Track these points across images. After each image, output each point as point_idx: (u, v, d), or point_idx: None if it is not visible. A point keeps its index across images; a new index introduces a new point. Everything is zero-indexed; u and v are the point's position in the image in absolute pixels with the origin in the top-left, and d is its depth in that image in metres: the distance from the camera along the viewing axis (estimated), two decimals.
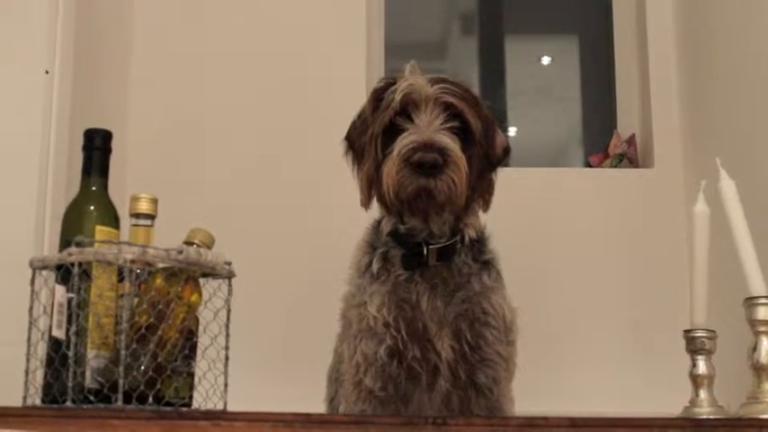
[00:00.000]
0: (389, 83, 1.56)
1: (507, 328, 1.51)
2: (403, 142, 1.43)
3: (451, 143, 1.44)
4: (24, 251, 1.56)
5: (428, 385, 1.47)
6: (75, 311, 1.16)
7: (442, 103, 1.47)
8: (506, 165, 1.60)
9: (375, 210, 1.56)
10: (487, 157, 1.53)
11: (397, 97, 1.48)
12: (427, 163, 1.40)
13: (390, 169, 1.42)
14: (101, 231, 1.25)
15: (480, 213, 1.56)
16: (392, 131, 1.48)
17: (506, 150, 1.58)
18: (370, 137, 1.50)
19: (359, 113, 1.62)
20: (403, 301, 1.48)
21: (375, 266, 1.52)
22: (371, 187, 1.50)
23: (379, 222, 1.57)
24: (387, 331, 1.45)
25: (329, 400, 1.72)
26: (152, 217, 1.29)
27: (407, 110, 1.48)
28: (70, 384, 1.14)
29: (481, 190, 1.53)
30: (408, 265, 1.50)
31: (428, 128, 1.44)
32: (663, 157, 2.68)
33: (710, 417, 1.32)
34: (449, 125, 1.46)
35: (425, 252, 1.49)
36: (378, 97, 1.55)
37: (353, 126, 1.61)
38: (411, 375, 1.47)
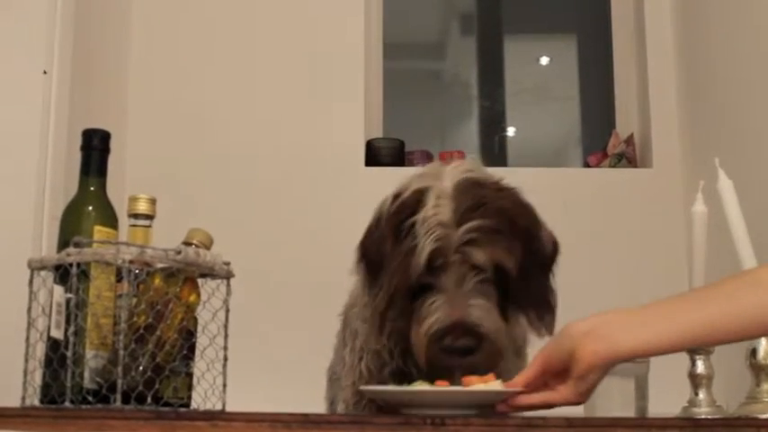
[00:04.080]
0: (410, 205, 1.36)
1: (519, 346, 1.47)
2: (429, 319, 1.28)
3: (485, 316, 1.29)
4: (23, 251, 1.55)
5: None
6: (74, 312, 1.16)
7: (471, 263, 1.31)
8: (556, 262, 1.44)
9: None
10: (537, 265, 1.38)
11: (422, 259, 1.29)
12: (459, 350, 1.26)
13: (418, 344, 1.29)
14: (99, 232, 1.24)
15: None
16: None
17: (555, 245, 1.44)
18: (394, 288, 1.33)
19: (375, 220, 1.42)
20: None
21: None
22: (383, 326, 1.36)
23: None
24: (392, 360, 1.40)
25: (330, 401, 1.71)
26: (150, 217, 1.29)
27: (432, 264, 1.31)
28: (69, 385, 1.14)
29: (533, 303, 1.37)
30: None
31: (457, 293, 1.29)
32: (661, 157, 2.69)
33: (709, 417, 1.32)
34: (480, 278, 1.31)
35: None
36: (397, 226, 1.36)
37: (370, 236, 1.42)
38: None
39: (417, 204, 1.35)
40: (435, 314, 1.28)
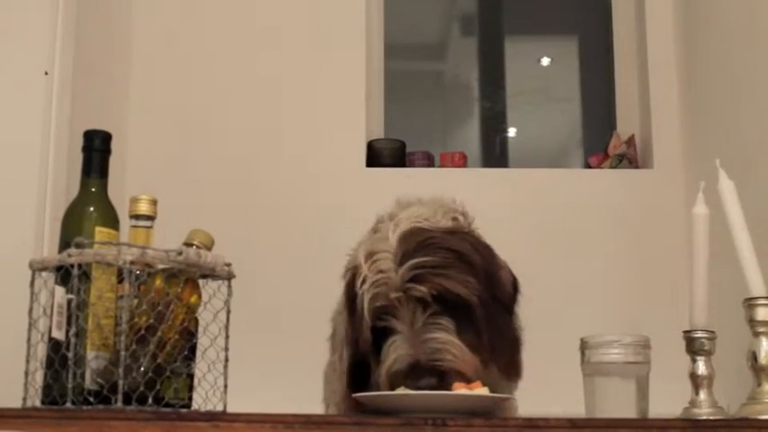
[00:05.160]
0: (354, 272, 1.36)
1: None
2: (387, 362, 1.27)
3: (442, 349, 1.25)
4: (24, 253, 1.56)
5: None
6: (75, 313, 1.16)
7: (416, 298, 1.28)
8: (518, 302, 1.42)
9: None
10: (498, 303, 1.36)
11: (365, 310, 1.29)
12: (424, 389, 1.23)
13: (384, 386, 1.28)
14: (100, 233, 1.25)
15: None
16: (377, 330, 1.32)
17: (515, 285, 1.41)
18: (353, 356, 1.36)
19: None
20: None
21: None
22: (351, 385, 1.37)
23: None
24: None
25: (326, 404, 1.71)
26: (151, 218, 1.29)
27: (377, 308, 1.30)
28: (70, 386, 1.14)
29: (502, 349, 1.34)
30: None
31: (411, 332, 1.27)
32: (662, 158, 2.69)
33: (710, 417, 1.31)
34: (431, 311, 1.28)
35: None
36: (350, 294, 1.36)
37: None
38: None
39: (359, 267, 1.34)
40: (392, 356, 1.27)
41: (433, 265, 1.29)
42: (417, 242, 1.32)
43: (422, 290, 1.27)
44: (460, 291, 1.29)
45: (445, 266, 1.29)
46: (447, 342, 1.27)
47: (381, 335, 1.31)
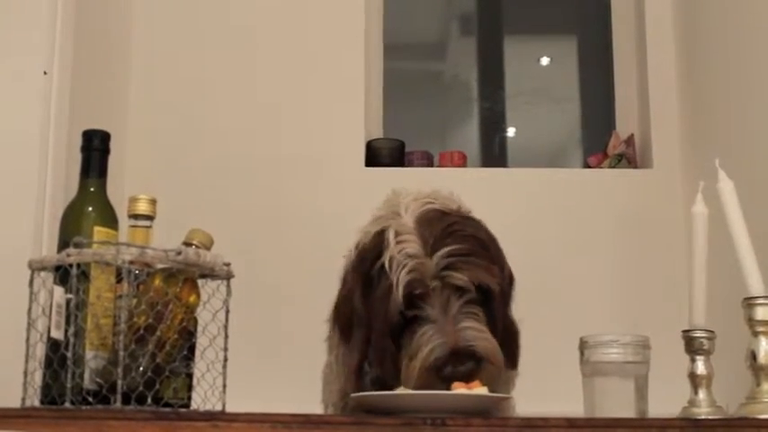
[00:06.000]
0: (373, 250, 1.35)
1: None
2: (423, 350, 1.26)
3: (478, 337, 1.27)
4: (23, 252, 1.56)
5: None
6: (74, 312, 1.16)
7: (453, 286, 1.29)
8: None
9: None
10: (505, 293, 1.38)
11: (399, 293, 1.28)
12: (460, 376, 1.23)
13: (411, 376, 1.26)
14: (99, 232, 1.25)
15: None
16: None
17: (512, 280, 1.43)
18: (366, 341, 1.34)
19: (342, 278, 1.43)
20: None
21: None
22: (358, 380, 1.36)
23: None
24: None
25: (325, 404, 1.71)
26: (150, 218, 1.29)
27: (413, 295, 1.29)
28: (69, 385, 1.14)
29: (509, 338, 1.37)
30: None
31: (446, 320, 1.27)
32: (662, 158, 2.69)
33: (709, 417, 1.32)
34: (465, 300, 1.30)
35: None
36: (366, 275, 1.35)
37: (340, 295, 1.43)
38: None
39: (380, 247, 1.33)
40: (429, 345, 1.26)
41: (465, 252, 1.30)
42: (442, 228, 1.32)
43: (461, 278, 1.28)
44: (489, 280, 1.31)
45: (474, 254, 1.31)
46: (480, 330, 1.28)
47: (407, 323, 1.31)
